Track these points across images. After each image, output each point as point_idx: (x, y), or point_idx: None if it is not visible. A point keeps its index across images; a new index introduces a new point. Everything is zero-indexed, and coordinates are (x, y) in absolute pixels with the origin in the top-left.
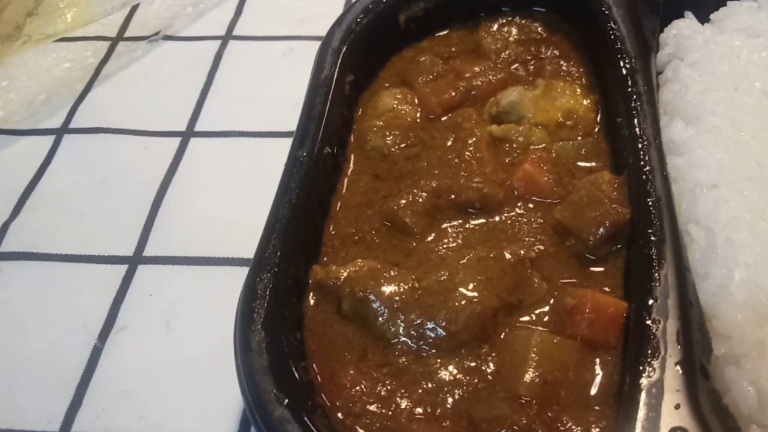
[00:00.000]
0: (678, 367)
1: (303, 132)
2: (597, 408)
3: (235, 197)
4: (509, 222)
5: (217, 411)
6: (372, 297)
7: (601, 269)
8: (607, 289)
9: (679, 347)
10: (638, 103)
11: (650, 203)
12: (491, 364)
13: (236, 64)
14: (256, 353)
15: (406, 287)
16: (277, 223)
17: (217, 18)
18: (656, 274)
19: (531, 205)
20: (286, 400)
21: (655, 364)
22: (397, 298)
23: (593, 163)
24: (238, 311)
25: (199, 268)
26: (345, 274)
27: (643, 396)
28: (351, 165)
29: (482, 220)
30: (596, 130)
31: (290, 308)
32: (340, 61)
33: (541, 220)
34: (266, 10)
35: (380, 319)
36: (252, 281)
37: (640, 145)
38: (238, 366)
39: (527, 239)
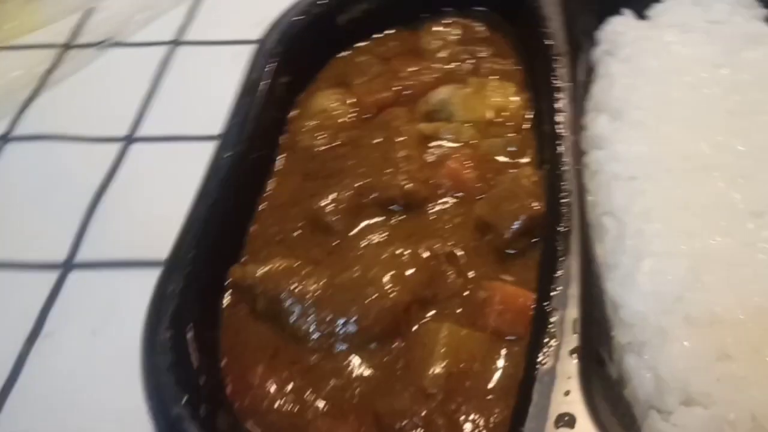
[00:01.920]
0: (572, 356)
1: (227, 134)
2: (498, 398)
3: (174, 201)
4: (431, 219)
5: (141, 416)
6: (283, 296)
7: (518, 263)
8: (521, 282)
9: (574, 335)
10: (560, 100)
11: (561, 197)
12: (402, 359)
13: (183, 69)
14: (160, 352)
15: (320, 284)
16: (194, 223)
17: (167, 24)
18: (560, 265)
19: (455, 201)
20: (186, 398)
21: (551, 352)
22: (308, 296)
23: (520, 160)
24: (146, 311)
25: (131, 272)
26: (260, 273)
27: (536, 384)
28: (282, 165)
29: (404, 217)
30: (526, 127)
31: (203, 308)
32: (275, 63)
33: (464, 216)
34: (218, 16)
35: (292, 317)
36: (162, 281)
37: (557, 141)
38: (142, 365)
39: (448, 235)
